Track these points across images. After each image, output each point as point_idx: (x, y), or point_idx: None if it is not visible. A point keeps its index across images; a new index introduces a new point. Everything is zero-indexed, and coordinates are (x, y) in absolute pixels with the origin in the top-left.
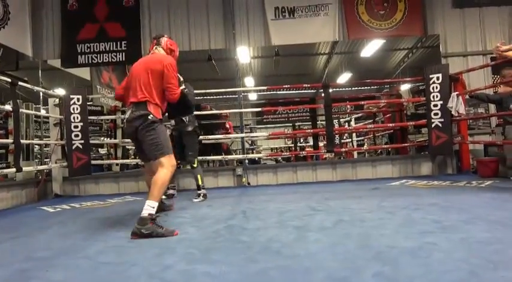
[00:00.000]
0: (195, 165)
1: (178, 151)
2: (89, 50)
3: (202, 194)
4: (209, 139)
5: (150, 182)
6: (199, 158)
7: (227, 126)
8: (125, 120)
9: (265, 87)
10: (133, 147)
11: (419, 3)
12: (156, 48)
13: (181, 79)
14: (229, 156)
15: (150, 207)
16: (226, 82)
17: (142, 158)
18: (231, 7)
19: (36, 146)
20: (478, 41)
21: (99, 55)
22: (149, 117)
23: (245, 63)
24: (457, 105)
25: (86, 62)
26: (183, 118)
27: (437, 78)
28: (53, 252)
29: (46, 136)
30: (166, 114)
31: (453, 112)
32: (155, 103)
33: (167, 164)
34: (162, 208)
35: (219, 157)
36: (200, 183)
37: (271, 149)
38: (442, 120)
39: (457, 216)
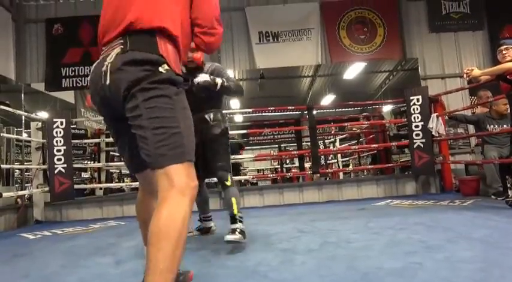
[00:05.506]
0: (228, 183)
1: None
2: (73, 73)
3: (239, 230)
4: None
5: (148, 215)
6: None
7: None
8: (105, 69)
9: (250, 109)
10: (118, 171)
11: (397, 28)
12: None
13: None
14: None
15: None
16: None
17: (133, 164)
18: None
19: (17, 170)
20: (455, 64)
21: (83, 78)
22: (161, 69)
23: None
24: (437, 125)
25: (71, 85)
26: (206, 116)
27: (418, 100)
28: (32, 280)
29: (27, 160)
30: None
31: (434, 133)
32: (173, 39)
33: (186, 183)
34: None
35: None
36: (236, 211)
37: (257, 171)
38: (424, 140)
39: (441, 235)
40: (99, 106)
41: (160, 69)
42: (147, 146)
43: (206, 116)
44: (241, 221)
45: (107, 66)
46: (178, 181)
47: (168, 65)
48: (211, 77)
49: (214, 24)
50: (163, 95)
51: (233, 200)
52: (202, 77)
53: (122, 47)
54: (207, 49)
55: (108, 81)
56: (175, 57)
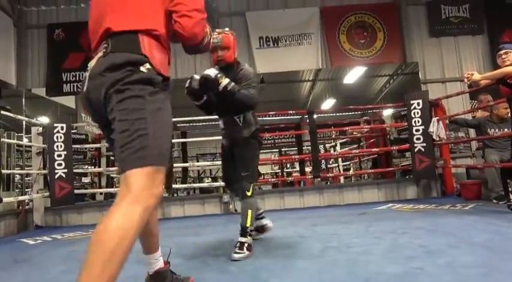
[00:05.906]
0: (248, 194)
1: (229, 174)
2: (74, 78)
3: (247, 245)
4: (196, 166)
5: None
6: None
7: None
8: (86, 76)
9: None
10: (119, 175)
11: (397, 32)
12: None
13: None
14: (216, 184)
15: None
16: None
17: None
18: None
19: (18, 175)
20: (455, 68)
21: None
22: (143, 68)
23: None
24: (437, 129)
25: (71, 90)
26: (235, 117)
27: (418, 104)
28: None
29: (28, 165)
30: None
31: (434, 137)
32: (157, 38)
33: (142, 190)
34: None
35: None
36: (249, 224)
37: (258, 175)
38: (424, 144)
39: (442, 240)
40: (89, 111)
41: (142, 68)
42: (115, 150)
43: (236, 118)
44: (250, 235)
45: (89, 72)
46: (135, 187)
47: (151, 64)
48: (219, 75)
49: (191, 9)
50: (136, 95)
51: (249, 212)
52: (208, 70)
53: (105, 50)
54: (186, 34)
55: (88, 87)
56: (161, 56)
